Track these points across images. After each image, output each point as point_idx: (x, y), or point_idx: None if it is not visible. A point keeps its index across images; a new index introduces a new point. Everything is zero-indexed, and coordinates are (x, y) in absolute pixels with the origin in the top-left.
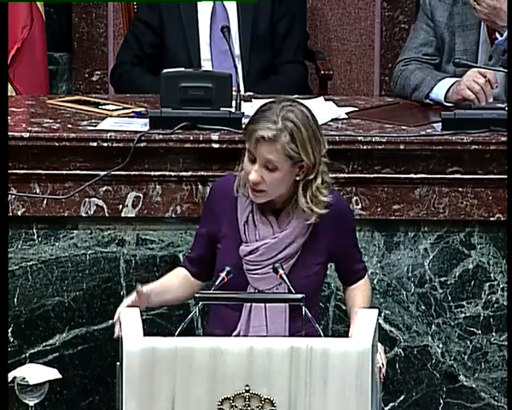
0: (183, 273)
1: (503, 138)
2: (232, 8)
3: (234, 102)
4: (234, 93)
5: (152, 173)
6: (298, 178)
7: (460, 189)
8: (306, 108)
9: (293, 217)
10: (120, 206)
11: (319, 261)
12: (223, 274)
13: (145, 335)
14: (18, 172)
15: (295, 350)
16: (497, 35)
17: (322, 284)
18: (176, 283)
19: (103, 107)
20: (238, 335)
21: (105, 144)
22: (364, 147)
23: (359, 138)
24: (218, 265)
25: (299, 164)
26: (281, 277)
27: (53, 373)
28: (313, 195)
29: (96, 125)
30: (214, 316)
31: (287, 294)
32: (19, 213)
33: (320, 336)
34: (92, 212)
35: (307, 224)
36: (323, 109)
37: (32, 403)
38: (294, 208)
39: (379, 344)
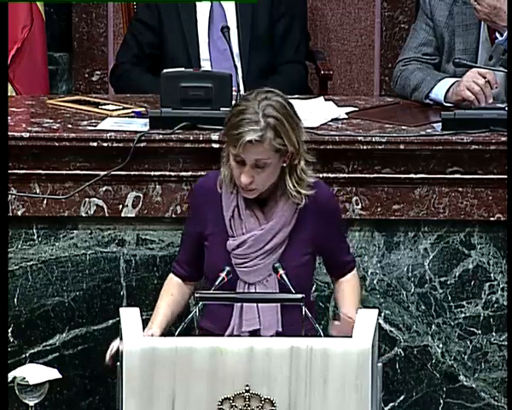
0: (175, 288)
1: (503, 138)
2: (230, 7)
3: (234, 102)
4: (234, 93)
5: (152, 173)
6: (284, 165)
7: (460, 189)
8: (281, 96)
9: (278, 206)
10: (120, 206)
11: (307, 251)
12: (223, 274)
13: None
14: (18, 172)
15: (295, 350)
16: (497, 35)
17: (313, 277)
18: (172, 303)
19: (103, 107)
20: (232, 329)
21: (105, 144)
22: (364, 147)
23: (359, 138)
24: (207, 262)
25: (285, 152)
26: (281, 276)
27: (53, 373)
28: (299, 177)
29: (95, 125)
30: (207, 310)
31: (286, 294)
32: (19, 213)
33: (320, 336)
34: (92, 212)
35: (293, 212)
36: (323, 109)
37: (31, 403)
38: (280, 196)
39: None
